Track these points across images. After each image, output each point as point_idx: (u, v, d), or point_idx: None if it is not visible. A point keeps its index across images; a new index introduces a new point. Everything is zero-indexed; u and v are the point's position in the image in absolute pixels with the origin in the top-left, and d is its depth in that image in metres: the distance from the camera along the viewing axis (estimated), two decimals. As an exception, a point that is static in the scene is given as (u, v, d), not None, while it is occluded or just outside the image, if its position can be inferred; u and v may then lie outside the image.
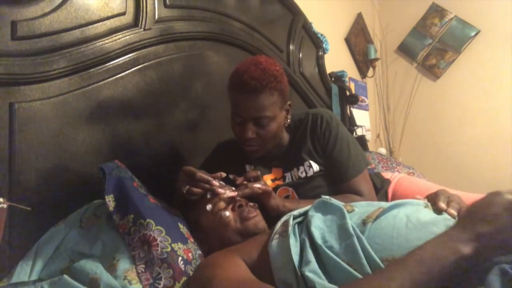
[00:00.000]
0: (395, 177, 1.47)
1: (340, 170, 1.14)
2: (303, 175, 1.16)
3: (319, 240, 0.70)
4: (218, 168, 1.03)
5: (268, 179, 1.20)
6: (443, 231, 0.58)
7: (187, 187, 0.95)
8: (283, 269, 0.69)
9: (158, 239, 0.79)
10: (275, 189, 1.17)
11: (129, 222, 0.81)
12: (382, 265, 0.61)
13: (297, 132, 1.20)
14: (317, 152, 1.16)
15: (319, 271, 0.64)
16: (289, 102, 1.16)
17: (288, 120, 1.17)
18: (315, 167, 1.15)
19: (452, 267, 0.52)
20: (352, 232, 0.68)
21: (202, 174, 0.95)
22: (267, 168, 1.21)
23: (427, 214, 0.72)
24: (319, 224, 0.75)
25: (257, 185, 0.97)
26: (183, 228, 0.91)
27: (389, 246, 0.64)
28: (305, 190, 1.15)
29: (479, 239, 0.54)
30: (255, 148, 1.11)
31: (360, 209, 0.78)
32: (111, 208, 0.84)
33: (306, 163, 1.16)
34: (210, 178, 0.95)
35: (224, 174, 1.00)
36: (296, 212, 0.82)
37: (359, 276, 0.61)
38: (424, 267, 0.53)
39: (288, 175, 1.18)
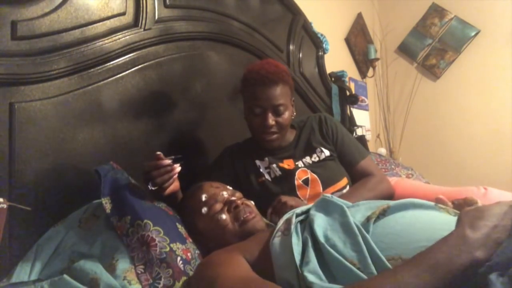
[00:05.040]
0: (392, 179, 1.48)
1: (352, 153, 1.30)
2: (316, 159, 1.27)
3: (321, 239, 0.68)
4: (228, 171, 1.24)
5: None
6: (451, 232, 0.57)
7: (150, 182, 0.89)
8: (284, 268, 0.68)
9: (157, 239, 0.79)
10: (295, 170, 1.23)
11: (126, 223, 0.81)
12: (388, 263, 0.59)
13: (303, 129, 1.34)
14: (326, 141, 1.30)
15: (320, 271, 0.63)
16: (293, 98, 1.29)
17: (294, 113, 1.29)
18: (326, 152, 1.27)
19: (464, 272, 0.51)
20: (356, 230, 0.66)
21: (162, 161, 0.88)
22: (278, 160, 1.26)
23: (437, 215, 0.70)
24: (321, 223, 0.73)
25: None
26: (181, 228, 0.90)
27: (396, 245, 0.62)
28: (321, 170, 1.23)
29: (490, 244, 0.52)
30: (275, 136, 1.21)
31: (362, 206, 0.77)
32: (108, 211, 0.83)
33: (318, 150, 1.28)
34: (168, 160, 0.89)
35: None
36: (298, 210, 0.82)
37: (362, 275, 0.59)
38: (439, 272, 0.50)
39: (299, 163, 1.25)
